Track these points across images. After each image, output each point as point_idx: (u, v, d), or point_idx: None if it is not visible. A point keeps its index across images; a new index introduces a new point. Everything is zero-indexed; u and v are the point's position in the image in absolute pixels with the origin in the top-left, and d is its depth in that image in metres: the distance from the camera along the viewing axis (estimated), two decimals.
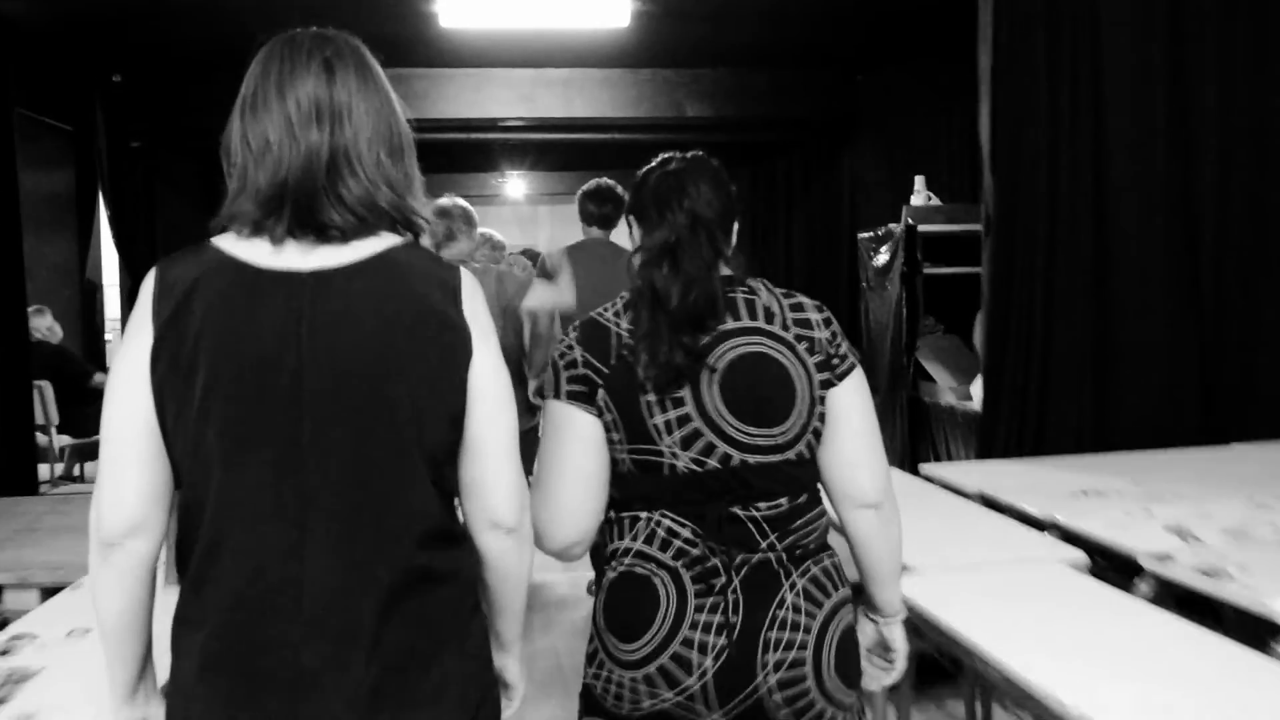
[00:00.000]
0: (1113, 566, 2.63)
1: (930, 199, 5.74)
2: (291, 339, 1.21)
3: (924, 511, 3.16)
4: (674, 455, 1.51)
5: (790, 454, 1.54)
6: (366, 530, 1.22)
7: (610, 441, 1.54)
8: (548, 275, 4.20)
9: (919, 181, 5.83)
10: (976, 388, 4.94)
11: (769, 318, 1.56)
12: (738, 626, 1.49)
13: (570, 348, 1.57)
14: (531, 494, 1.50)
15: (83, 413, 6.47)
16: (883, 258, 5.68)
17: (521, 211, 15.96)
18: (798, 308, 1.60)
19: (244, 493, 1.21)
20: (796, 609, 1.51)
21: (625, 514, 1.56)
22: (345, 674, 1.20)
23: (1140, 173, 4.03)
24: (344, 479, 1.22)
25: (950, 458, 5.08)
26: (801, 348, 1.55)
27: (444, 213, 4.03)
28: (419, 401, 1.24)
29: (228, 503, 1.21)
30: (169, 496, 1.26)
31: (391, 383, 1.23)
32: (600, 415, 1.53)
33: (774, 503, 1.53)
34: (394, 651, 1.23)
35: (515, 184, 13.75)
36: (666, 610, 1.50)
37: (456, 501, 1.34)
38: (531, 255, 6.90)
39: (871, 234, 5.96)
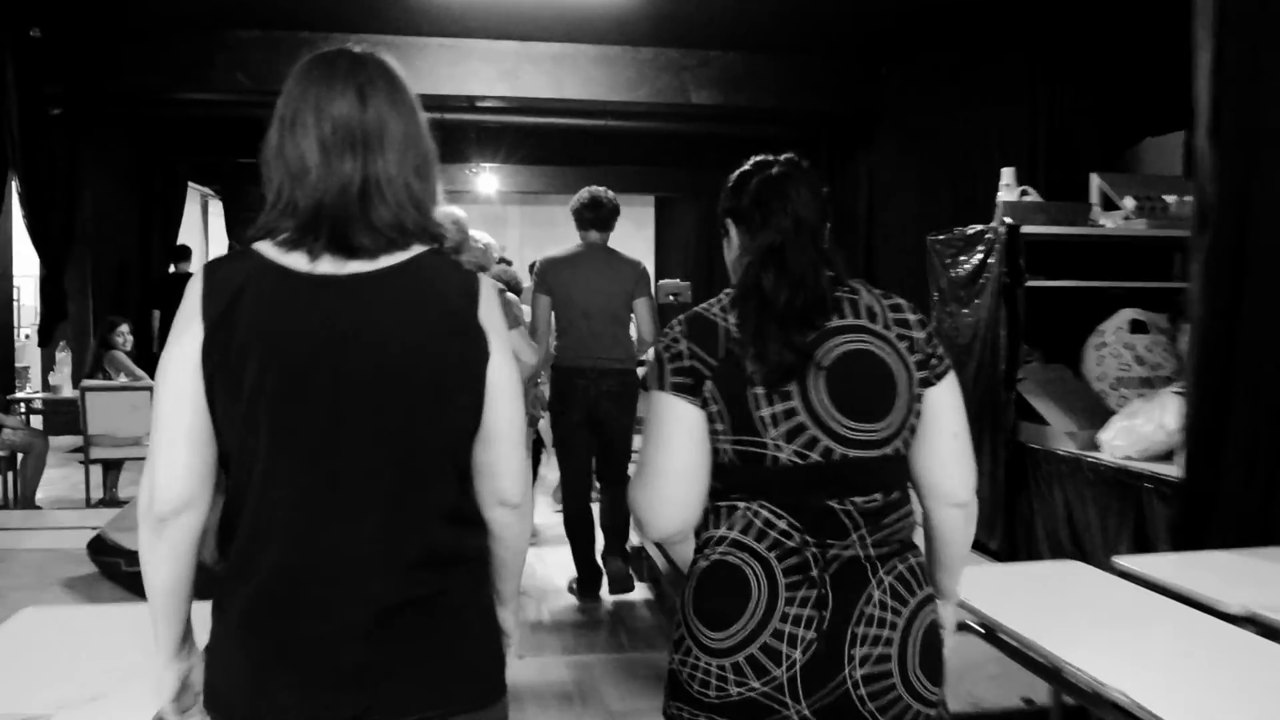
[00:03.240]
0: None
1: (1027, 194, 4.71)
2: (330, 336, 1.36)
3: (1205, 656, 2.07)
4: (778, 448, 1.54)
5: (888, 449, 1.57)
6: (394, 510, 1.37)
7: (713, 432, 1.57)
8: (544, 291, 4.59)
9: (1008, 174, 4.79)
10: (1111, 434, 3.92)
11: (871, 316, 1.61)
12: (826, 620, 1.51)
13: (676, 340, 1.61)
14: (634, 484, 1.64)
15: None
16: (968, 265, 4.65)
17: (491, 211, 14.91)
18: (896, 308, 1.64)
19: (288, 475, 1.36)
20: (884, 606, 1.53)
21: (723, 503, 1.59)
22: (376, 633, 1.35)
23: None
24: (375, 463, 1.37)
25: (1072, 521, 4.04)
26: (903, 346, 1.60)
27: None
28: (442, 394, 1.39)
29: (272, 484, 1.36)
30: (214, 476, 1.40)
31: (418, 377, 1.38)
32: (705, 406, 1.57)
33: (869, 497, 1.56)
34: (419, 615, 1.38)
35: (487, 179, 12.61)
36: (758, 601, 1.52)
37: None
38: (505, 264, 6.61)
39: (947, 236, 4.91)
